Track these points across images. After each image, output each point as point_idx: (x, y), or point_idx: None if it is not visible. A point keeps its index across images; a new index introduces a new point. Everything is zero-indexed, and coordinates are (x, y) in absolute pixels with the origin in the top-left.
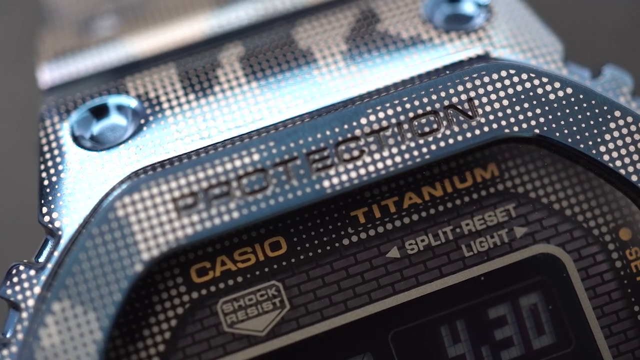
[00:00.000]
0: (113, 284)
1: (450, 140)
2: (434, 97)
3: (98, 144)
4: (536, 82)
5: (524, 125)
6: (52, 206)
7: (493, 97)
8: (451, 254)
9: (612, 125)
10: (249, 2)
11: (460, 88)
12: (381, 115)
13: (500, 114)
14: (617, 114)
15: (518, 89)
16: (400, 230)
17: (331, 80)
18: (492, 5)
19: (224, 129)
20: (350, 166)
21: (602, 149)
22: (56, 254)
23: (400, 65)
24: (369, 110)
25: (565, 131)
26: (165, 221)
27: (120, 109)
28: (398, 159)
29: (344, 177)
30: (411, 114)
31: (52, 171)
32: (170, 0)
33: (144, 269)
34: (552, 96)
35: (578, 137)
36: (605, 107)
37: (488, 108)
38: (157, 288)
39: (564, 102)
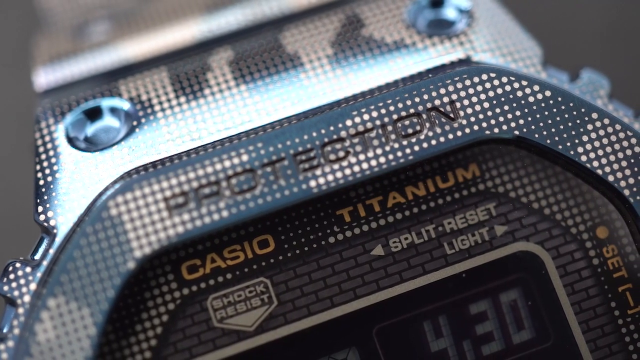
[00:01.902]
0: (106, 280)
1: (433, 142)
2: (417, 99)
3: (92, 145)
4: (516, 85)
5: (504, 127)
6: (48, 205)
7: (474, 99)
8: (434, 251)
9: (590, 127)
10: (238, 7)
11: (442, 91)
12: (366, 117)
13: (481, 116)
14: (595, 116)
15: (498, 91)
16: (384, 228)
17: (317, 84)
18: (474, 11)
19: (214, 130)
20: (335, 166)
21: (580, 149)
22: (51, 251)
23: (385, 69)
24: (354, 113)
25: (544, 133)
26: (157, 220)
27: (114, 111)
28: (382, 159)
29: (330, 177)
30: (395, 116)
31: (47, 171)
32: (161, 6)
33: (136, 266)
34: (531, 99)
35: (556, 138)
36: (582, 110)
37: (469, 110)
38: (149, 284)
39: (542, 105)
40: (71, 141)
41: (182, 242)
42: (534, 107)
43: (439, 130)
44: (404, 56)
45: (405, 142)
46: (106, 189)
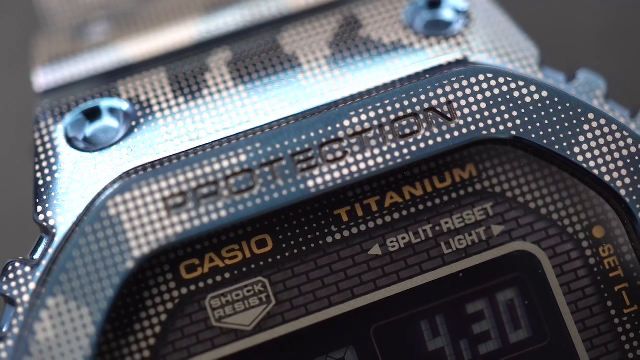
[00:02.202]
0: (105, 280)
1: (430, 142)
2: (414, 100)
3: (91, 145)
4: (512, 85)
5: (501, 127)
6: (47, 205)
7: (471, 100)
8: (431, 251)
9: (586, 127)
10: (236, 8)
11: (439, 91)
12: (363, 117)
13: (478, 117)
14: (591, 116)
15: (495, 92)
16: (381, 228)
17: (315, 84)
18: (471, 12)
19: (212, 130)
20: (333, 166)
21: (576, 150)
22: (50, 251)
23: (382, 70)
24: (352, 113)
25: (541, 133)
26: (156, 220)
27: (113, 111)
28: (380, 159)
29: (328, 177)
30: (392, 117)
31: (46, 171)
32: (160, 7)
33: (135, 266)
34: (528, 99)
35: (553, 138)
36: (579, 110)
37: (466, 110)
38: (148, 284)
39: (539, 105)
40: (70, 141)
41: (180, 241)
42: (531, 108)
43: (436, 131)
44: (401, 57)
45: (402, 142)
46: (105, 189)
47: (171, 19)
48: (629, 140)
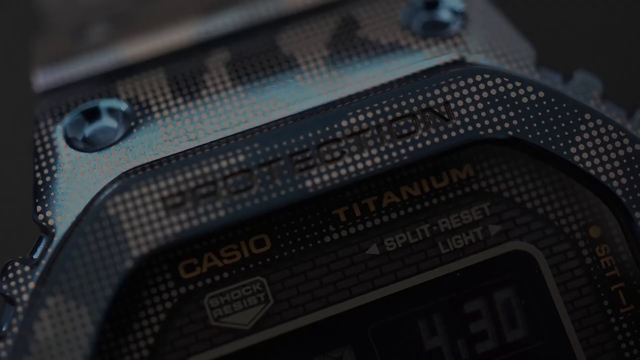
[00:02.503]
0: (104, 279)
1: (428, 142)
2: (411, 100)
3: (90, 145)
4: (509, 86)
5: (498, 128)
6: (46, 205)
7: (468, 100)
8: (428, 250)
9: (583, 127)
10: (234, 9)
11: (437, 92)
12: (361, 117)
13: (475, 117)
14: (587, 116)
15: (492, 92)
16: (379, 228)
17: (313, 85)
18: (468, 13)
19: (211, 131)
20: (331, 167)
21: (573, 150)
22: (50, 250)
23: (380, 70)
24: (350, 113)
25: (538, 133)
26: (155, 219)
27: (112, 111)
28: (377, 159)
29: (326, 177)
30: (390, 117)
31: (46, 171)
32: (159, 8)
33: (134, 265)
34: (525, 99)
35: (550, 138)
36: (575, 110)
37: (464, 111)
38: (147, 283)
39: (536, 105)
40: (69, 142)
41: (179, 241)
42: (528, 108)
43: (433, 131)
44: (398, 57)
45: (400, 143)
46: (104, 188)
47: (170, 20)
48: (626, 141)
